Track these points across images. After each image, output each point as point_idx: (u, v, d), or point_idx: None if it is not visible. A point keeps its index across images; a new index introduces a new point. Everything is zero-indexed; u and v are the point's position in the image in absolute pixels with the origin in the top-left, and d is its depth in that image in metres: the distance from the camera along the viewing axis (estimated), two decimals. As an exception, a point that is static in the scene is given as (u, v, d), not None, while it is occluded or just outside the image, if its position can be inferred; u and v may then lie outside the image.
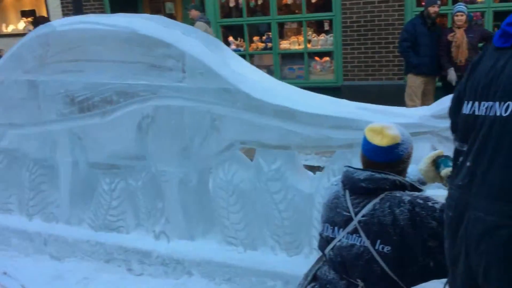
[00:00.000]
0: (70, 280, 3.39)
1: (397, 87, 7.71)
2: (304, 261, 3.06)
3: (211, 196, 3.35)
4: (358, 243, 1.94)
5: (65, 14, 10.33)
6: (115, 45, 3.15)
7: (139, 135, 3.26)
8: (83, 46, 3.24)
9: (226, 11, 9.16)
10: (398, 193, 1.92)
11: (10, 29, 12.40)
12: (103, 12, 9.32)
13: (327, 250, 2.04)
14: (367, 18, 7.82)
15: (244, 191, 3.16)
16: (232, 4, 8.82)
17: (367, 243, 1.91)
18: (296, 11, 8.86)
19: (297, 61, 8.73)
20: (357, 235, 1.95)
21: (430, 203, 1.88)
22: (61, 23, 3.37)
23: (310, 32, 8.62)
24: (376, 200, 1.92)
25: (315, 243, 3.03)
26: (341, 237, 1.98)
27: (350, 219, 1.96)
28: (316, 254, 3.08)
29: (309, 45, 8.51)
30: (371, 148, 1.97)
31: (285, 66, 8.80)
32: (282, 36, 8.91)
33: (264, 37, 8.97)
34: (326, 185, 2.93)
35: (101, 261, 3.50)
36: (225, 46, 3.35)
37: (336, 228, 2.01)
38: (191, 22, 7.78)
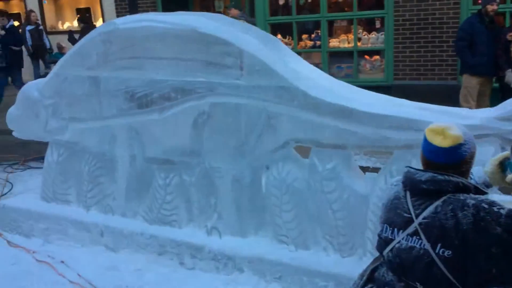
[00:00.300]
0: (124, 271, 3.48)
1: (450, 87, 7.49)
2: (357, 263, 3.02)
3: (264, 194, 3.37)
4: (418, 246, 1.88)
5: (118, 12, 10.61)
6: (175, 43, 3.21)
7: (195, 131, 3.31)
8: (144, 44, 3.32)
9: (275, 9, 9.15)
10: (462, 196, 1.86)
11: (65, 26, 12.87)
12: (155, 10, 9.50)
13: (385, 251, 2.00)
14: (420, 16, 7.63)
15: (298, 190, 3.15)
16: (281, 2, 8.81)
17: (428, 246, 1.85)
18: (346, 8, 8.75)
19: (346, 59, 8.62)
20: (417, 237, 1.89)
21: (495, 208, 1.81)
22: (123, 21, 3.47)
23: (360, 30, 8.49)
24: (438, 202, 1.87)
25: (369, 245, 3.01)
26: (401, 238, 1.93)
27: (410, 221, 1.91)
28: (370, 256, 3.04)
29: (359, 43, 8.38)
30: (432, 149, 1.90)
31: (334, 64, 8.70)
32: (331, 34, 8.83)
33: (312, 35, 8.91)
34: (383, 186, 2.89)
35: (154, 253, 3.56)
36: (283, 44, 3.35)
37: (395, 230, 1.96)
38: None
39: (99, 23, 12.22)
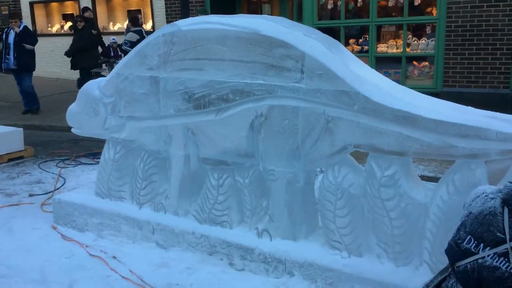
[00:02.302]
0: (174, 269, 3.52)
1: (501, 96, 7.28)
2: (412, 273, 2.96)
3: (317, 198, 3.35)
4: (504, 268, 1.80)
5: (168, 14, 10.83)
6: (236, 45, 3.23)
7: (251, 133, 3.33)
8: (206, 45, 3.36)
9: (324, 13, 9.12)
10: None
11: (116, 27, 13.23)
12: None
13: (462, 262, 1.92)
14: (474, 23, 7.44)
15: (353, 196, 3.11)
16: (330, 6, 8.76)
17: None
18: (394, 13, 8.63)
19: (394, 64, 8.51)
20: (506, 259, 1.81)
21: None
22: (186, 23, 3.52)
23: (409, 36, 8.35)
24: None
25: (426, 255, 2.93)
26: (486, 255, 1.85)
27: (503, 242, 1.83)
28: (426, 266, 2.97)
29: (408, 49, 8.24)
30: None
31: (381, 70, 8.57)
32: (378, 39, 8.72)
33: (360, 40, 8.83)
34: (445, 196, 2.81)
35: (204, 253, 3.59)
36: (344, 48, 3.32)
37: (482, 245, 1.88)
38: None
39: (149, 25, 12.51)
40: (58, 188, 5.34)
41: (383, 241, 3.04)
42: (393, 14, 8.70)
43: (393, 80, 9.02)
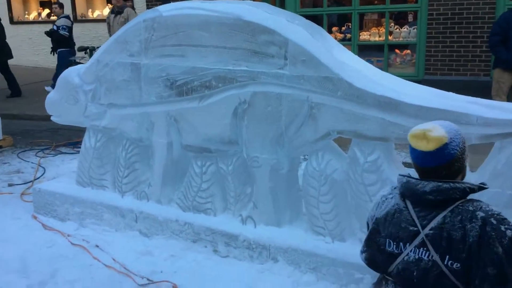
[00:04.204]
0: (158, 257, 3.51)
1: (482, 83, 7.38)
2: (395, 256, 3.00)
3: (301, 184, 3.36)
4: (426, 258, 1.84)
5: (149, 0, 10.67)
6: (219, 31, 3.20)
7: (234, 120, 3.31)
8: (187, 31, 3.32)
9: (306, 1, 9.10)
10: (471, 207, 1.81)
11: (95, 14, 13.02)
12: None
13: (392, 266, 1.95)
14: (455, 11, 7.51)
15: (336, 182, 3.13)
16: (312, -7, 8.75)
17: (436, 257, 1.81)
18: (376, 1, 8.66)
19: (376, 53, 8.55)
20: (425, 248, 1.84)
21: (502, 227, 1.76)
22: (167, 8, 3.47)
23: (392, 24, 8.39)
24: (446, 212, 1.82)
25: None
26: (408, 251, 1.88)
27: (417, 233, 1.86)
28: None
29: (390, 37, 8.28)
30: (419, 155, 1.84)
31: (363, 58, 8.50)
32: (361, 27, 8.74)
33: (343, 28, 8.84)
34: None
35: (188, 240, 3.59)
36: (327, 34, 3.31)
37: (401, 244, 1.91)
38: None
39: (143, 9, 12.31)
40: (38, 178, 5.26)
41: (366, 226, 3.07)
42: (375, 2, 8.72)
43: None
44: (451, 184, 1.82)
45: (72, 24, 10.07)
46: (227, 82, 3.26)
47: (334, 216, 3.18)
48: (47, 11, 13.99)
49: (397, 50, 8.47)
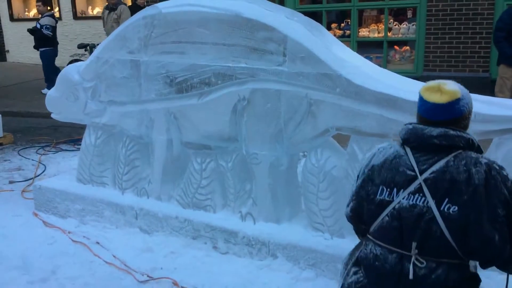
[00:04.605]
0: (158, 253, 3.52)
1: (481, 80, 7.39)
2: (394, 252, 3.02)
3: (300, 181, 3.37)
4: (420, 203, 1.81)
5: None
6: (218, 28, 3.21)
7: (233, 117, 3.32)
8: (187, 28, 3.32)
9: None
10: (473, 154, 1.81)
11: (95, 11, 13.00)
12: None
13: (377, 221, 1.91)
14: (454, 7, 7.51)
15: (335, 178, 3.14)
16: (312, -10, 8.74)
17: (432, 203, 1.78)
18: (375, -2, 8.65)
19: (375, 49, 8.55)
20: (421, 194, 1.81)
21: (504, 172, 1.79)
22: (166, 5, 3.48)
23: (391, 20, 8.39)
24: (450, 157, 1.81)
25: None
26: (401, 198, 1.85)
27: (414, 178, 1.83)
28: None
29: (389, 34, 8.28)
30: (430, 107, 1.84)
31: (362, 54, 8.52)
32: (360, 23, 8.73)
33: (342, 24, 8.83)
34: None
35: (188, 237, 3.60)
36: (326, 31, 3.33)
37: (395, 190, 1.87)
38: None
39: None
40: (38, 175, 5.27)
41: (365, 223, 3.08)
42: (375, -2, 8.73)
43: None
44: (458, 132, 1.84)
45: (56, 23, 10.00)
46: (226, 79, 3.27)
47: (333, 212, 3.19)
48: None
49: (396, 47, 8.47)
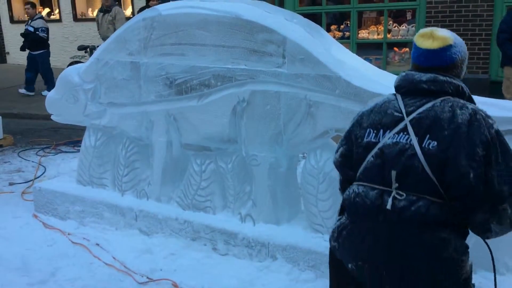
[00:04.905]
0: (158, 255, 3.52)
1: (480, 81, 7.38)
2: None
3: (300, 183, 3.37)
4: (403, 141, 1.84)
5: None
6: (218, 30, 3.22)
7: (233, 118, 3.33)
8: (186, 30, 3.33)
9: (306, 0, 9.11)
10: (461, 101, 1.84)
11: (95, 13, 13.00)
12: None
13: (363, 165, 1.93)
14: (453, 8, 7.51)
15: (335, 179, 3.12)
16: (311, -8, 8.76)
17: (414, 140, 1.81)
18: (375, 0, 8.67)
19: (374, 51, 8.55)
20: (405, 133, 1.84)
21: (490, 120, 1.81)
22: (166, 7, 3.49)
23: (390, 22, 8.40)
24: (437, 101, 1.84)
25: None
26: (387, 138, 1.88)
27: (401, 119, 1.87)
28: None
29: (389, 35, 8.29)
30: (422, 53, 1.88)
31: (362, 56, 8.52)
32: (360, 25, 8.75)
33: (342, 26, 8.84)
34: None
35: (188, 238, 3.60)
36: (325, 33, 3.34)
37: (382, 131, 1.91)
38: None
39: (128, 11, 12.36)
40: (38, 177, 5.28)
41: (364, 224, 3.08)
42: (374, 0, 8.73)
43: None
44: (448, 77, 1.86)
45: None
46: (226, 80, 3.28)
47: (333, 213, 3.18)
48: (47, 10, 14.00)
49: (395, 48, 8.47)
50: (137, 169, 3.93)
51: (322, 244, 3.19)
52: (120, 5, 12.31)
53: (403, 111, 1.87)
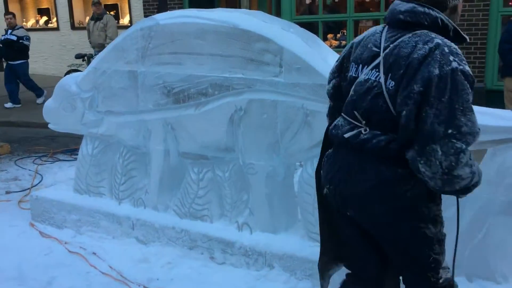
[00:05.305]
0: (155, 264, 3.51)
1: (476, 90, 7.37)
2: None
3: (297, 191, 3.38)
4: (373, 78, 1.84)
5: (145, 8, 10.73)
6: (215, 39, 3.24)
7: (230, 127, 3.34)
8: (184, 39, 3.35)
9: (302, 8, 9.16)
10: (433, 34, 1.75)
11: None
12: (181, 7, 9.58)
13: (349, 94, 1.96)
14: (449, 18, 7.56)
15: (332, 188, 3.15)
16: (308, 0, 8.82)
17: (382, 78, 1.79)
18: (371, 8, 8.72)
19: (371, 60, 8.59)
20: (377, 70, 1.83)
21: (451, 58, 1.68)
22: (164, 17, 3.51)
23: (386, 31, 8.47)
24: (407, 35, 1.78)
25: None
26: (363, 74, 1.88)
27: (378, 55, 1.84)
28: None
29: (385, 44, 8.35)
30: None
31: (359, 65, 8.69)
32: (356, 34, 8.80)
33: (338, 35, 8.90)
34: None
35: (185, 247, 3.59)
36: (322, 42, 3.36)
37: (361, 66, 1.91)
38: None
39: (126, 19, 12.41)
40: (35, 185, 5.27)
41: (361, 233, 3.09)
42: (371, 9, 8.79)
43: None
44: (427, 9, 1.79)
45: None
46: (223, 89, 3.29)
47: (330, 222, 3.19)
48: (45, 18, 14.03)
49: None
50: (134, 177, 3.93)
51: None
52: (117, 14, 12.40)
53: (382, 46, 1.84)
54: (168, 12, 3.56)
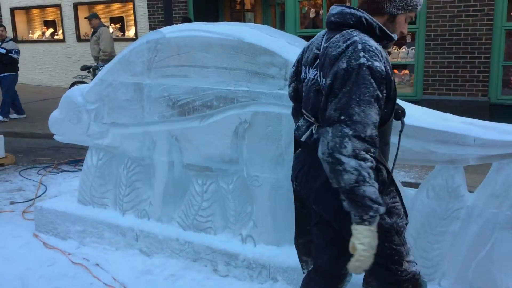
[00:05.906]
0: (158, 276, 3.50)
1: (480, 103, 7.44)
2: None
3: (301, 204, 3.38)
4: (313, 76, 2.00)
5: (151, 21, 10.83)
6: (221, 52, 3.27)
7: (235, 140, 3.35)
8: (190, 52, 3.38)
9: (306, 22, 9.23)
10: (355, 33, 1.86)
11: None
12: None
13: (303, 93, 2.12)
14: (452, 32, 7.61)
15: (336, 201, 3.15)
16: (312, 14, 8.87)
17: (319, 75, 1.95)
18: (375, 23, 8.77)
19: (375, 73, 8.60)
20: (316, 69, 1.99)
21: (361, 54, 1.77)
22: (170, 30, 3.54)
23: (390, 45, 8.50)
24: (336, 35, 1.92)
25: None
26: (309, 75, 2.05)
27: (318, 56, 2.00)
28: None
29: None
30: None
31: (362, 78, 8.70)
32: (360, 47, 8.85)
33: (342, 48, 8.95)
34: (425, 200, 2.87)
35: (188, 259, 3.59)
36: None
37: (307, 68, 2.08)
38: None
39: (131, 32, 12.51)
40: (39, 196, 5.28)
41: (365, 246, 3.07)
42: (374, 23, 8.84)
43: (374, 87, 9.09)
44: (353, 10, 1.93)
45: None
46: (228, 102, 3.31)
47: (334, 235, 3.19)
48: (51, 30, 14.17)
49: (395, 70, 8.54)
50: (139, 189, 3.94)
51: (323, 266, 3.18)
52: (123, 26, 12.49)
53: (321, 47, 1.98)
54: (174, 25, 3.59)
